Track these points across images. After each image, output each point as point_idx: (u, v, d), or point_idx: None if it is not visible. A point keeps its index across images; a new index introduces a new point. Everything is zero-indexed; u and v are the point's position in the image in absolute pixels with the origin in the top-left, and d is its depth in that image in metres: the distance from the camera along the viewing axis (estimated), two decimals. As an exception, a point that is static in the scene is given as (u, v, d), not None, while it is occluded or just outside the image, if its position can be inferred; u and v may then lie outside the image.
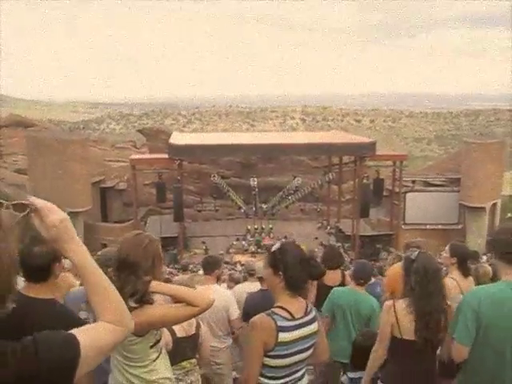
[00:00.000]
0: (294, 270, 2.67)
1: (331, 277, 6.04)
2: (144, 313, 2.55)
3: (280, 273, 2.70)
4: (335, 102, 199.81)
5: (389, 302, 3.30)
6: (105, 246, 19.86)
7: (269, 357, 2.63)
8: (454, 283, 4.41)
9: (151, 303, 2.61)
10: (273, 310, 2.71)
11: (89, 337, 1.43)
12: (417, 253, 3.20)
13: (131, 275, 2.55)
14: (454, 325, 2.88)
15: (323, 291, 5.90)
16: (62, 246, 1.53)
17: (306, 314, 2.74)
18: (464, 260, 4.55)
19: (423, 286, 3.08)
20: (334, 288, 5.30)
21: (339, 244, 29.62)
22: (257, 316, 2.69)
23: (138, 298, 2.56)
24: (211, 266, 5.22)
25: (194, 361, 4.16)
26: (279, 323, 2.61)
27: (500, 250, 2.90)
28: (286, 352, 2.64)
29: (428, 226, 32.66)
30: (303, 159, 38.93)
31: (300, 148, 32.09)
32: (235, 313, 5.06)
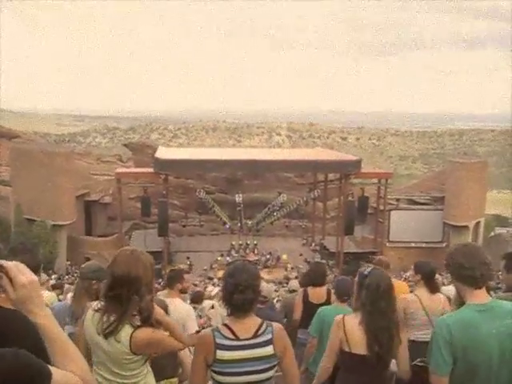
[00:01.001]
0: (227, 294, 2.70)
1: (316, 295, 5.95)
2: (146, 332, 2.60)
3: None
4: (321, 119, 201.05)
5: (339, 317, 3.28)
6: (88, 259, 19.66)
7: (213, 372, 2.66)
8: (415, 298, 4.53)
9: (153, 326, 2.65)
10: (218, 326, 2.77)
11: (61, 375, 1.43)
12: (370, 269, 3.21)
13: (134, 295, 2.57)
14: (430, 355, 2.81)
15: (308, 309, 5.83)
16: (30, 307, 1.52)
17: (255, 336, 2.68)
18: (429, 277, 4.64)
19: (374, 301, 3.07)
20: (321, 307, 5.25)
21: (324, 261, 29.67)
22: (203, 330, 2.77)
23: (145, 316, 2.60)
24: (173, 280, 5.23)
25: (174, 380, 4.11)
26: (218, 340, 2.63)
27: (457, 273, 2.80)
28: (230, 370, 2.62)
29: (412, 244, 32.87)
30: (289, 176, 39.10)
31: (286, 165, 32.27)
32: (192, 328, 5.04)
